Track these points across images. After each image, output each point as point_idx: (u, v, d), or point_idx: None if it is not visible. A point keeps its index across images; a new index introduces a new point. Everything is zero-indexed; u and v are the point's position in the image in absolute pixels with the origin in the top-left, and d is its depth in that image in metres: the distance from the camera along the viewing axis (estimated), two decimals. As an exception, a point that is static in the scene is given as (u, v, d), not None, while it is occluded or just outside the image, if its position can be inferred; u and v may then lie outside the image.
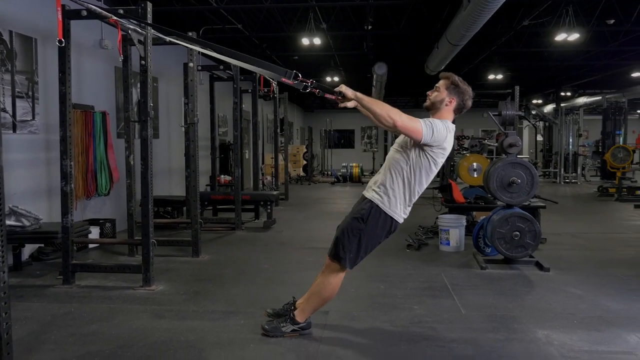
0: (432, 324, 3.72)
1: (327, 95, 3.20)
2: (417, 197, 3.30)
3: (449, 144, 3.20)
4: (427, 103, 3.34)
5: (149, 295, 4.39)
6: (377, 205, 3.22)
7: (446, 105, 3.28)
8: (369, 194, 3.31)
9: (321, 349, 3.26)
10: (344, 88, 3.08)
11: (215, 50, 3.31)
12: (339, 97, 3.10)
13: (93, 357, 3.12)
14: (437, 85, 3.34)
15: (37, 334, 3.50)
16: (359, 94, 3.08)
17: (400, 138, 3.35)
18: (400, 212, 3.25)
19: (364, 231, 3.23)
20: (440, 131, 3.11)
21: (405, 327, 3.67)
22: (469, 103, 3.34)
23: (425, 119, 3.15)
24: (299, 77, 3.06)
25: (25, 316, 3.84)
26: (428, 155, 3.18)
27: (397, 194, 3.22)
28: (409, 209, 3.32)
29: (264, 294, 4.45)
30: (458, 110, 3.32)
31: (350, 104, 3.29)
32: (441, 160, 3.25)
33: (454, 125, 3.27)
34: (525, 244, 5.19)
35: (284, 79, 3.16)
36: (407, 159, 3.21)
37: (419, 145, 3.15)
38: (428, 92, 3.36)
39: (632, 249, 6.38)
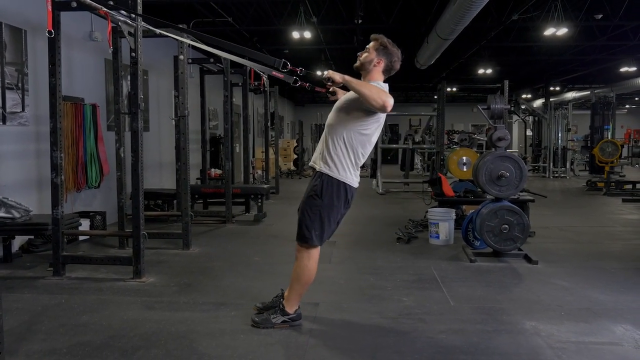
0: (421, 315, 3.76)
1: (318, 89, 3.24)
2: (363, 160, 3.36)
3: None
4: (357, 64, 3.42)
5: (139, 287, 4.40)
6: (328, 175, 3.28)
7: (374, 65, 3.36)
8: (317, 166, 3.35)
9: (311, 340, 3.28)
10: (331, 73, 3.15)
11: (205, 42, 3.32)
12: (329, 84, 3.14)
13: (84, 347, 3.13)
14: (367, 46, 3.43)
15: (28, 325, 3.50)
16: (346, 77, 3.15)
17: (339, 103, 3.40)
18: (351, 176, 3.31)
19: (322, 206, 3.28)
20: None
21: (395, 318, 3.70)
22: (397, 65, 3.44)
23: (377, 84, 3.23)
24: (287, 66, 3.09)
25: (16, 307, 3.84)
26: (369, 118, 3.25)
27: (342, 159, 3.27)
28: (358, 172, 3.38)
29: (254, 285, 4.47)
30: (386, 72, 3.41)
31: (340, 94, 3.33)
32: (381, 122, 3.33)
33: (387, 85, 3.37)
34: (514, 237, 5.24)
35: (274, 73, 3.18)
36: (346, 123, 3.27)
37: (363, 110, 3.20)
38: (358, 53, 3.44)
39: (619, 242, 6.46)
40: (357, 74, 3.41)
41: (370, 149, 3.39)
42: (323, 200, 3.28)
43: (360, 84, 3.13)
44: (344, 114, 3.30)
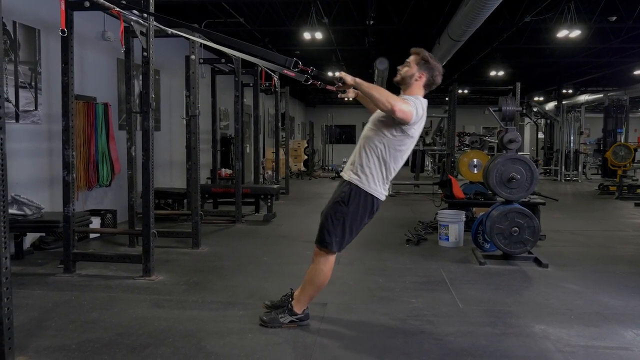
0: (429, 317, 3.75)
1: (328, 87, 3.24)
2: (393, 174, 3.34)
3: (422, 120, 3.27)
4: (398, 78, 3.38)
5: (148, 285, 4.43)
6: (357, 186, 3.26)
7: (416, 80, 3.32)
8: (346, 175, 3.35)
9: (318, 340, 3.28)
10: (343, 74, 3.15)
11: (216, 41, 3.33)
12: (340, 84, 3.14)
13: (93, 343, 3.15)
14: (407, 60, 3.39)
15: (38, 321, 3.53)
16: (358, 80, 3.15)
17: (374, 116, 3.39)
18: (380, 189, 3.29)
19: (346, 214, 3.27)
20: (417, 109, 3.17)
21: (403, 320, 3.69)
22: (439, 79, 3.39)
23: (406, 98, 3.19)
24: (299, 65, 3.10)
25: (27, 303, 3.88)
26: (405, 132, 3.22)
27: (373, 171, 3.26)
28: (388, 185, 3.37)
29: (263, 285, 4.48)
30: (427, 86, 3.37)
31: (350, 94, 3.33)
32: (416, 137, 3.30)
33: (426, 101, 3.34)
34: (524, 239, 5.21)
35: (285, 71, 3.19)
36: (382, 136, 3.25)
37: (397, 123, 3.18)
38: (398, 67, 3.41)
39: (631, 246, 6.40)
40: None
41: (402, 163, 3.36)
42: (349, 208, 3.26)
43: (371, 87, 3.12)
44: (380, 128, 3.27)
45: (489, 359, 3.05)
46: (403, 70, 3.36)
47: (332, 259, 3.39)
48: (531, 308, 3.98)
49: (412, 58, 3.37)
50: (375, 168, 3.26)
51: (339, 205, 3.29)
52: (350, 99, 3.54)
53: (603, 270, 5.15)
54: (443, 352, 3.14)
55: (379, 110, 3.32)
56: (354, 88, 3.24)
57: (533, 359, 3.06)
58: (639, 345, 3.26)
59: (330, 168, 20.03)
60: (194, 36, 4.94)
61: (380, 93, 3.07)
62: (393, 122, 3.18)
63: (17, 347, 2.93)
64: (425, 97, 3.38)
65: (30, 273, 4.80)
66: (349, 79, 3.14)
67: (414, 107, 3.13)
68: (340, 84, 3.18)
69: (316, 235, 3.38)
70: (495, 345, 3.25)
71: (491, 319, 3.71)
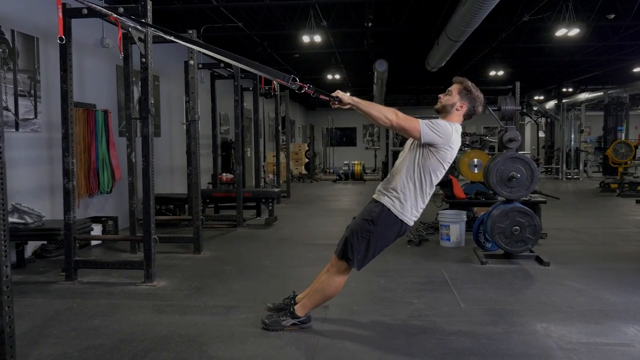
0: (431, 317, 3.75)
1: (322, 97, 3.21)
2: (427, 200, 3.32)
3: (455, 143, 3.22)
4: (438, 106, 3.36)
5: (150, 291, 4.43)
6: (389, 209, 3.24)
7: (457, 110, 3.30)
8: (380, 197, 3.32)
9: (321, 342, 3.28)
10: (340, 94, 3.11)
11: (213, 52, 3.33)
12: (335, 102, 3.13)
13: (95, 350, 3.16)
14: (449, 89, 3.36)
15: (40, 329, 3.54)
16: (355, 99, 3.12)
17: (409, 142, 3.37)
18: (410, 215, 3.27)
19: (373, 233, 3.25)
20: (443, 129, 3.14)
21: (405, 320, 3.70)
22: (480, 109, 3.37)
23: (427, 119, 3.17)
24: (296, 81, 3.07)
25: (29, 311, 3.88)
26: (435, 155, 3.20)
27: (408, 197, 3.24)
28: (420, 211, 3.33)
29: (265, 289, 4.48)
30: (468, 116, 3.35)
31: (345, 106, 3.31)
32: (449, 160, 3.26)
33: (460, 126, 3.31)
34: (525, 238, 5.21)
35: (278, 80, 3.17)
36: (416, 161, 3.23)
37: (425, 146, 3.17)
38: (440, 95, 3.38)
39: (632, 243, 6.39)
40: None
41: (434, 189, 3.34)
42: (376, 228, 3.24)
43: (367, 105, 3.10)
44: (418, 155, 3.24)
45: (491, 357, 3.05)
46: (444, 99, 3.33)
47: (347, 273, 3.38)
48: (533, 306, 3.98)
49: (454, 86, 3.35)
50: (409, 194, 3.24)
51: (367, 224, 3.26)
52: (345, 108, 3.52)
53: (604, 268, 5.14)
54: (445, 351, 3.14)
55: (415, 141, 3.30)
56: (350, 107, 3.20)
57: (535, 356, 3.06)
58: (641, 341, 3.26)
59: (331, 171, 20.02)
60: (194, 46, 4.94)
61: (377, 110, 3.07)
62: (423, 146, 3.17)
63: (19, 355, 2.94)
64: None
65: (32, 281, 4.81)
66: (346, 98, 3.11)
67: (427, 124, 3.10)
68: (336, 102, 3.15)
69: (338, 246, 3.36)
70: (497, 343, 3.25)
71: (493, 318, 3.71)
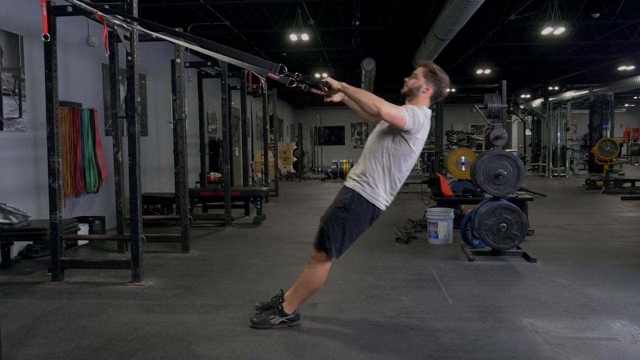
0: (419, 314, 3.76)
1: (314, 90, 3.24)
2: (399, 185, 3.33)
3: (426, 130, 3.26)
4: (405, 89, 3.38)
5: (138, 291, 4.41)
6: (359, 194, 3.26)
7: (423, 92, 3.32)
8: (349, 183, 3.34)
9: (309, 340, 3.29)
10: (329, 79, 3.15)
11: (201, 45, 3.32)
12: (325, 88, 3.14)
13: (82, 350, 3.14)
14: (414, 72, 3.38)
15: (26, 329, 3.50)
16: (344, 84, 3.15)
17: (379, 126, 3.39)
18: (382, 199, 3.28)
19: (347, 220, 3.26)
20: (419, 118, 3.17)
21: (393, 317, 3.71)
22: (446, 91, 3.40)
23: (405, 106, 3.20)
24: (285, 70, 3.09)
25: (15, 312, 3.84)
26: (407, 142, 3.22)
27: (377, 181, 3.26)
28: (392, 196, 3.35)
29: (253, 287, 4.47)
30: (434, 98, 3.37)
31: (336, 98, 3.33)
32: (419, 147, 3.29)
33: (430, 110, 3.34)
34: (512, 235, 5.25)
35: (270, 74, 3.18)
36: (387, 146, 3.25)
37: (399, 133, 3.19)
38: (405, 79, 3.41)
39: (618, 239, 6.46)
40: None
41: (407, 174, 3.35)
42: (349, 214, 3.26)
43: (357, 91, 3.12)
44: (383, 138, 3.27)
45: (479, 353, 3.07)
46: (410, 82, 3.35)
47: (328, 264, 3.39)
48: (520, 302, 4.01)
49: (419, 70, 3.36)
50: (379, 178, 3.25)
51: (340, 210, 3.28)
52: (336, 100, 3.54)
53: (590, 264, 5.19)
54: (433, 347, 3.16)
55: (384, 123, 3.33)
56: (340, 92, 3.24)
57: (522, 352, 3.08)
58: (626, 335, 3.30)
59: (319, 170, 20.04)
60: (179, 41, 4.93)
61: (367, 97, 3.08)
62: (396, 132, 3.18)
63: (6, 356, 2.92)
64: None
65: (18, 282, 4.76)
66: (335, 83, 3.14)
67: (410, 113, 3.12)
68: (326, 88, 3.18)
69: (315, 238, 3.37)
70: (484, 339, 3.27)
71: (480, 314, 3.73)
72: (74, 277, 4.81)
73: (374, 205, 3.27)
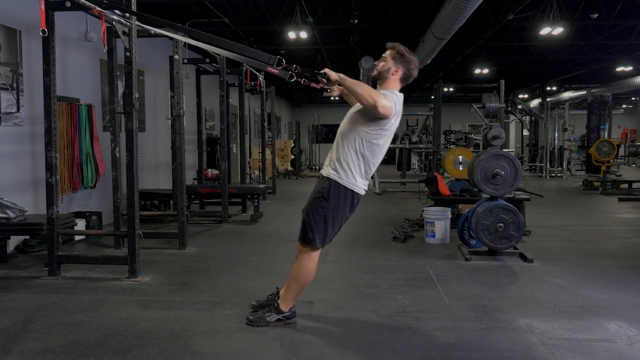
0: (416, 313, 3.77)
1: (313, 84, 3.24)
2: (373, 169, 3.35)
3: (399, 114, 3.29)
4: (374, 73, 3.39)
5: (135, 286, 4.40)
6: (336, 181, 3.27)
7: (392, 74, 3.34)
8: (325, 171, 3.35)
9: (306, 338, 3.29)
10: (327, 70, 3.18)
11: (199, 39, 3.32)
12: (324, 80, 3.15)
13: (78, 346, 3.13)
14: (383, 55, 3.40)
15: (22, 324, 3.50)
16: (341, 75, 3.17)
17: (351, 111, 3.41)
18: (359, 184, 3.30)
19: (327, 209, 3.27)
20: (396, 104, 3.20)
21: (390, 316, 3.71)
22: (415, 72, 3.42)
23: (384, 93, 3.20)
24: (282, 62, 3.10)
25: (11, 307, 3.84)
26: (380, 126, 3.23)
27: (352, 166, 3.26)
28: (367, 181, 3.37)
29: (250, 284, 4.47)
30: (404, 80, 3.39)
31: (335, 92, 3.34)
32: (392, 131, 3.31)
33: (402, 94, 3.36)
34: (509, 235, 5.25)
35: (269, 69, 3.19)
36: (359, 131, 3.26)
37: (373, 118, 3.19)
38: (375, 62, 3.42)
39: (615, 240, 6.47)
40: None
41: (381, 158, 3.37)
42: (329, 203, 3.27)
43: (354, 82, 3.13)
44: (356, 122, 3.28)
45: (475, 353, 3.07)
46: (380, 65, 3.37)
47: (316, 255, 3.39)
48: (516, 303, 4.01)
49: (387, 53, 3.40)
50: (353, 163, 3.26)
51: (319, 200, 3.29)
52: (335, 96, 3.54)
53: (587, 265, 5.20)
54: (429, 347, 3.16)
55: (355, 106, 3.36)
56: (337, 84, 3.25)
57: (518, 352, 3.09)
58: (622, 337, 3.30)
59: (317, 167, 20.03)
60: (177, 35, 4.92)
61: (363, 89, 3.08)
62: (369, 116, 3.20)
63: (2, 350, 2.91)
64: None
65: (14, 276, 4.75)
66: (332, 74, 3.16)
67: (393, 102, 3.15)
68: (324, 79, 3.19)
69: (299, 232, 3.38)
70: (480, 339, 3.27)
71: (477, 314, 3.74)
72: (70, 272, 4.80)
73: (352, 190, 3.28)
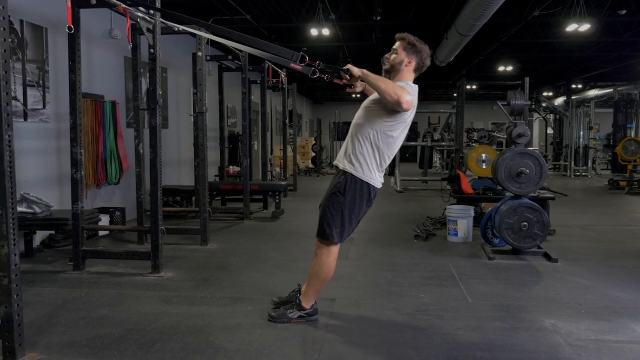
0: (438, 312, 3.73)
1: (336, 81, 3.22)
2: (388, 161, 3.32)
3: (415, 106, 3.22)
4: (387, 66, 3.36)
5: (157, 282, 4.44)
6: (352, 174, 3.24)
7: (405, 65, 3.30)
8: (340, 164, 3.33)
9: (327, 335, 3.28)
10: (350, 66, 3.14)
11: (222, 35, 3.32)
12: (347, 76, 3.13)
13: (102, 339, 3.16)
14: (394, 47, 3.35)
15: (48, 317, 3.55)
16: (365, 71, 3.13)
17: (365, 103, 3.37)
18: (375, 176, 3.27)
19: (344, 203, 3.25)
20: (415, 99, 3.16)
21: (412, 314, 3.68)
22: (428, 61, 3.36)
23: (401, 85, 3.15)
24: (305, 59, 3.08)
25: (37, 300, 3.90)
26: (395, 118, 3.20)
27: (367, 159, 3.23)
28: (383, 173, 3.34)
29: (271, 281, 4.48)
30: (417, 70, 3.35)
31: (358, 88, 3.32)
32: (407, 122, 3.27)
33: (417, 86, 3.32)
34: (534, 234, 5.18)
35: (292, 65, 3.17)
36: (373, 123, 3.23)
37: (388, 109, 3.16)
38: (386, 55, 3.38)
39: (641, 240, 6.35)
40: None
41: (396, 150, 3.34)
42: (345, 198, 3.25)
43: (377, 78, 3.10)
44: (371, 114, 3.26)
45: (499, 353, 3.04)
46: (391, 58, 3.33)
47: (334, 250, 3.38)
48: (541, 302, 3.95)
49: (398, 44, 3.35)
50: (368, 155, 3.24)
51: (336, 195, 3.27)
52: (358, 92, 3.52)
53: (613, 265, 5.11)
54: (452, 346, 3.13)
55: (370, 97, 3.34)
56: (360, 80, 3.22)
57: (543, 353, 3.04)
58: (651, 339, 3.24)
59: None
60: (200, 31, 4.94)
61: (386, 85, 3.05)
62: (385, 108, 3.16)
63: (28, 343, 2.95)
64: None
65: (40, 270, 4.82)
66: (355, 70, 3.13)
67: (412, 95, 3.11)
68: (347, 75, 3.17)
69: (317, 228, 3.36)
70: (504, 339, 3.23)
71: (500, 314, 3.69)
72: (94, 267, 4.86)
73: (368, 183, 3.25)
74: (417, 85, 3.33)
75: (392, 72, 3.35)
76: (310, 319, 3.47)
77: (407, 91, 3.06)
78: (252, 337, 3.24)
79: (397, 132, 3.26)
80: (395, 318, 3.62)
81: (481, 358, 2.97)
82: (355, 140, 3.29)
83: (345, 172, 3.28)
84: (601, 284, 4.44)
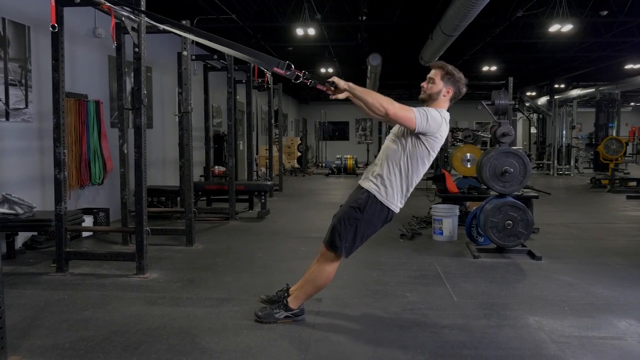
0: (424, 310, 3.75)
1: (319, 87, 3.18)
2: (414, 187, 3.31)
3: (444, 132, 3.20)
4: (423, 95, 3.32)
5: (142, 283, 4.40)
6: (374, 196, 3.23)
7: (444, 95, 3.27)
8: (365, 183, 3.30)
9: (314, 335, 3.27)
10: (336, 79, 3.06)
11: (208, 39, 3.29)
12: (331, 88, 3.08)
13: (86, 342, 3.13)
14: (430, 76, 3.31)
15: (30, 320, 3.50)
16: (351, 84, 3.06)
17: (396, 128, 3.34)
18: (397, 202, 3.26)
19: (360, 220, 3.24)
20: (435, 119, 3.11)
21: (398, 313, 3.69)
22: (464, 90, 3.35)
23: (419, 108, 3.14)
24: (291, 67, 3.03)
25: (19, 303, 3.85)
26: (424, 144, 3.18)
27: (394, 184, 3.23)
28: (406, 199, 3.33)
29: (257, 281, 4.47)
30: (454, 99, 3.33)
31: (341, 95, 3.25)
32: (437, 149, 3.25)
33: (449, 114, 3.29)
34: (518, 232, 5.22)
35: (275, 68, 3.12)
36: (404, 148, 3.21)
37: (415, 134, 3.15)
38: (422, 84, 3.34)
39: (623, 238, 6.43)
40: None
41: (422, 175, 3.32)
42: (363, 215, 3.23)
43: (363, 91, 3.04)
44: (402, 140, 3.22)
45: (484, 350, 3.06)
46: (428, 87, 3.29)
47: (337, 262, 3.37)
48: (525, 300, 3.99)
49: (435, 73, 3.30)
50: (396, 181, 3.23)
51: (354, 211, 3.25)
52: (341, 98, 3.49)
53: (596, 262, 5.17)
54: (438, 344, 3.14)
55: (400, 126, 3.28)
56: (346, 92, 3.17)
57: (528, 350, 3.06)
58: (633, 334, 3.28)
59: (323, 165, 20.02)
60: (188, 34, 4.91)
61: (373, 97, 3.00)
62: (413, 133, 3.14)
63: (10, 346, 2.91)
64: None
65: (22, 272, 4.76)
66: (341, 83, 3.04)
67: (421, 113, 3.06)
68: (332, 88, 3.11)
69: (326, 235, 3.34)
70: (490, 337, 3.25)
71: (486, 312, 3.72)
72: (78, 269, 4.82)
73: (388, 208, 3.24)
74: (449, 113, 3.29)
75: (427, 101, 3.31)
76: (297, 319, 3.46)
77: (398, 104, 3.02)
78: (239, 337, 3.22)
79: (426, 158, 3.24)
80: (382, 317, 3.63)
81: (467, 356, 2.99)
82: (385, 164, 3.26)
83: (368, 191, 3.25)
84: (584, 281, 4.49)
